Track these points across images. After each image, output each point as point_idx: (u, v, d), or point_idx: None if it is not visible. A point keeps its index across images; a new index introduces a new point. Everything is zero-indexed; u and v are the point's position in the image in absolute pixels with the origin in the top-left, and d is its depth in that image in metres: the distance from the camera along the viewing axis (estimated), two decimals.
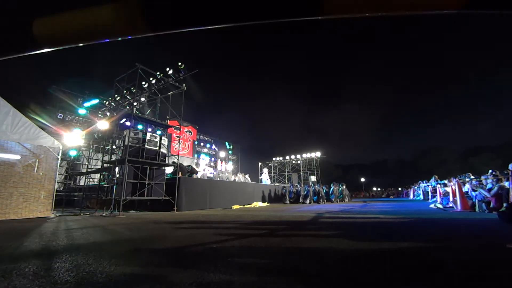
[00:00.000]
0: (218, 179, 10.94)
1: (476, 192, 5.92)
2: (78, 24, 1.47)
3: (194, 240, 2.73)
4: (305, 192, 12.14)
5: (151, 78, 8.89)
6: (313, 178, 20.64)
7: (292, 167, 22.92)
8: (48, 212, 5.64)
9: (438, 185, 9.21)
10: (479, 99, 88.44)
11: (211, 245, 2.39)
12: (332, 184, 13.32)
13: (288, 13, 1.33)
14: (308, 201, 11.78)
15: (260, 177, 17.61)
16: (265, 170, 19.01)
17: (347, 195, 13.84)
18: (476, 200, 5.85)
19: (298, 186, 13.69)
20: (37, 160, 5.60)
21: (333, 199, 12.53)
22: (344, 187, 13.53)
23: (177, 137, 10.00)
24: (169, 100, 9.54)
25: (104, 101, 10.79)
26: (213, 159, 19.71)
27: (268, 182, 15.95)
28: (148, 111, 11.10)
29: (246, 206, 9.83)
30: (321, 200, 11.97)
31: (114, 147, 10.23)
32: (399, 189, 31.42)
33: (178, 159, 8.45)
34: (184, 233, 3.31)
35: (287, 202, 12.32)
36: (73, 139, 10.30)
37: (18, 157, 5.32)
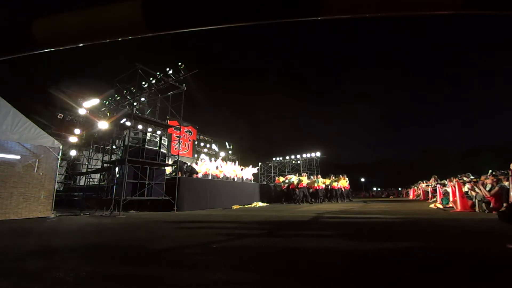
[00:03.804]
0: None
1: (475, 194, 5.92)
2: (78, 24, 1.47)
3: (194, 240, 2.73)
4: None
5: (151, 78, 8.90)
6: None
7: (292, 167, 22.95)
8: (48, 212, 5.63)
9: (438, 185, 9.21)
10: (480, 99, 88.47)
11: (211, 245, 2.39)
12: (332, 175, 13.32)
13: (288, 13, 1.33)
14: (308, 201, 11.78)
15: None
16: None
17: (347, 195, 13.80)
18: (476, 200, 5.84)
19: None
20: (37, 160, 5.60)
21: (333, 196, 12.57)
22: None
23: (177, 137, 9.98)
24: (169, 100, 9.54)
25: (104, 101, 10.79)
26: (213, 159, 19.70)
27: None
28: (148, 111, 11.10)
29: (246, 206, 9.82)
30: (321, 200, 11.98)
31: (114, 147, 10.23)
32: (399, 189, 31.38)
33: (178, 159, 8.46)
34: (184, 233, 3.31)
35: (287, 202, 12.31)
36: (73, 139, 10.29)
37: (18, 157, 5.32)
